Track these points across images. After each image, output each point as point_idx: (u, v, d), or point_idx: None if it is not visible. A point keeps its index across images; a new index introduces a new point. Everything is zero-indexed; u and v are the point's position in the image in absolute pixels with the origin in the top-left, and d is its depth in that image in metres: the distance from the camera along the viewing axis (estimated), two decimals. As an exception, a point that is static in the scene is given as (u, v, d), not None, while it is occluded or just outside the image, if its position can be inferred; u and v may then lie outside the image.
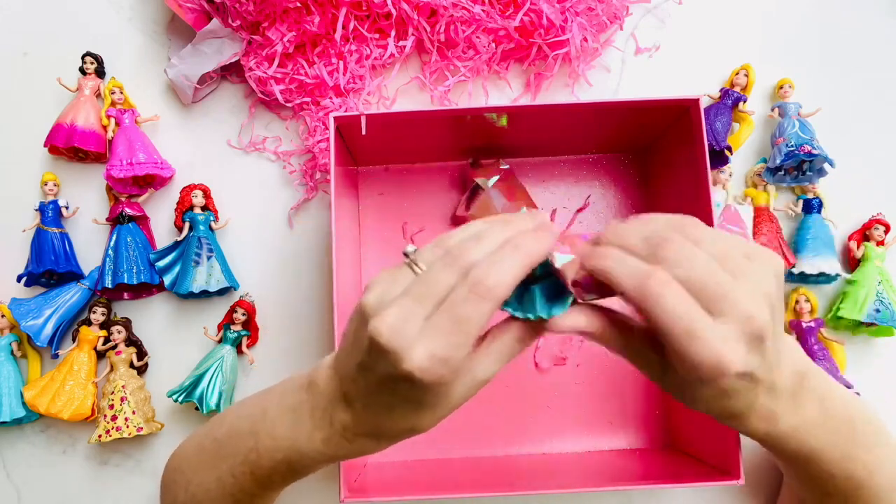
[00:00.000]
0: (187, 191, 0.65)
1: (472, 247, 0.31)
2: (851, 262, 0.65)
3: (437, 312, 0.30)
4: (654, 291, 0.29)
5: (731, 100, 0.66)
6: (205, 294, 0.63)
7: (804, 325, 0.63)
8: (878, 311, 0.61)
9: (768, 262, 0.32)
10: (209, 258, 0.63)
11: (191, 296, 0.64)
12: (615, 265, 0.31)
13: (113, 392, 0.61)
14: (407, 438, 0.36)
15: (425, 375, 0.30)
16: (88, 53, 0.68)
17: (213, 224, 0.65)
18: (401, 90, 0.68)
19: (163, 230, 0.67)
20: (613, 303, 0.34)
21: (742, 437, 0.50)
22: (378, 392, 0.33)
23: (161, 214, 0.68)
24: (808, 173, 0.65)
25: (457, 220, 0.66)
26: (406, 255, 0.33)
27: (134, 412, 0.61)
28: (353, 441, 0.36)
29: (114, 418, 0.60)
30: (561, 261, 0.32)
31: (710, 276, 0.30)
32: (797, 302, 0.63)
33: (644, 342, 0.34)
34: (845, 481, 0.38)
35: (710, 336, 0.29)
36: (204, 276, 0.63)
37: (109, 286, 0.63)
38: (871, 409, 0.40)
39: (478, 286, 0.30)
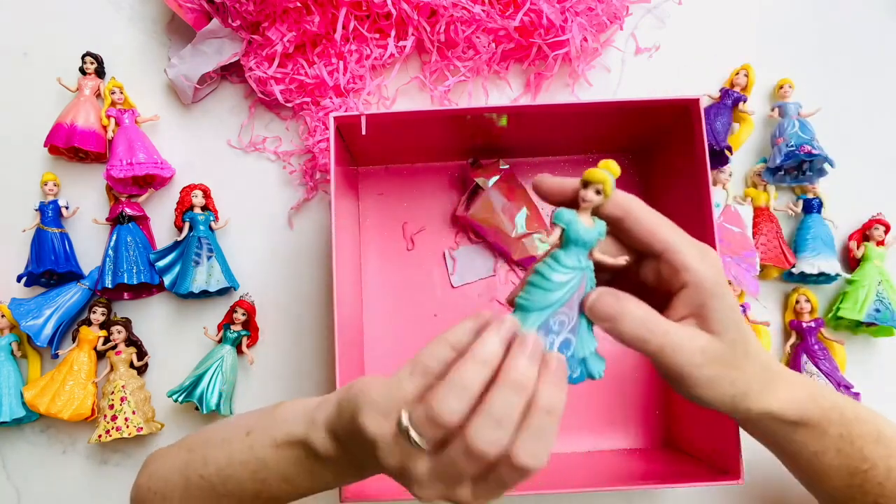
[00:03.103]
0: (187, 191, 0.65)
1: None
2: (851, 262, 0.65)
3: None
4: None
5: (731, 100, 0.66)
6: (205, 294, 0.63)
7: (804, 324, 0.63)
8: (878, 311, 0.61)
9: None
10: (209, 258, 0.63)
11: (191, 296, 0.64)
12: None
13: (113, 392, 0.61)
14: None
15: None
16: (88, 53, 0.68)
17: (213, 224, 0.65)
18: (401, 90, 0.68)
19: (163, 230, 0.67)
20: None
21: (742, 436, 0.50)
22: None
23: (161, 214, 0.67)
24: (808, 173, 0.65)
25: (457, 220, 0.66)
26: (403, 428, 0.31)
27: (134, 412, 0.61)
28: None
29: (114, 418, 0.60)
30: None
31: None
32: (797, 302, 0.63)
33: None
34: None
35: None
36: (204, 276, 0.63)
37: (109, 286, 0.63)
38: None
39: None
